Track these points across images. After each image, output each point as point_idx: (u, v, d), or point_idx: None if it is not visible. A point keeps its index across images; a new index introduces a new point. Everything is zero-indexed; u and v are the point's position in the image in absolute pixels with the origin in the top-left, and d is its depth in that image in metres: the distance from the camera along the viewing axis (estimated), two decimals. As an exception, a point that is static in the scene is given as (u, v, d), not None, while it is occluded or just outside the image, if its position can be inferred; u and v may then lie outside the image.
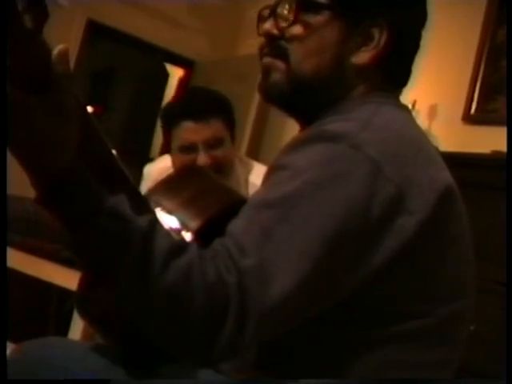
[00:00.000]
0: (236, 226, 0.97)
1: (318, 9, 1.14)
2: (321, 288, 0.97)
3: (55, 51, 0.86)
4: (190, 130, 2.13)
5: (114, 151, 1.01)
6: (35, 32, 0.81)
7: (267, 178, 1.04)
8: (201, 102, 2.17)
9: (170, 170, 2.25)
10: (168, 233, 0.95)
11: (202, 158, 2.11)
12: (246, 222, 0.98)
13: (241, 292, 0.90)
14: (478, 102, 3.61)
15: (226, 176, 2.16)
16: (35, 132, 0.86)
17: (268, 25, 1.17)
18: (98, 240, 0.90)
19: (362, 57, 1.14)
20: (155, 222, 0.94)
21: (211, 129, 2.13)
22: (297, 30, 1.15)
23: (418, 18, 1.18)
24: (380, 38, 1.13)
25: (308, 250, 0.94)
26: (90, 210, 0.90)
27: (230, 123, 2.19)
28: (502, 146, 3.02)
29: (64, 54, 0.87)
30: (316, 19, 1.14)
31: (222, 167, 2.13)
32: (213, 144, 2.13)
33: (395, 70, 1.17)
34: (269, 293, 0.91)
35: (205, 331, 0.90)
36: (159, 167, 2.41)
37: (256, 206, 0.99)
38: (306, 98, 1.17)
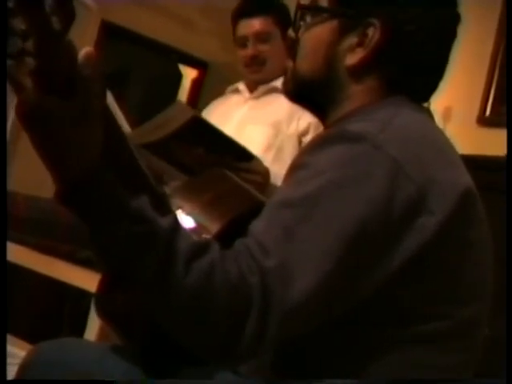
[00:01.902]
0: (257, 225, 0.98)
1: (317, 11, 1.18)
2: (342, 288, 0.97)
3: (81, 54, 0.86)
4: (242, 25, 2.48)
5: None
6: (62, 33, 0.81)
7: (288, 177, 1.05)
8: (254, 0, 2.51)
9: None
10: (189, 233, 0.96)
11: (249, 50, 2.46)
12: (267, 221, 0.98)
13: (263, 292, 0.91)
14: (492, 105, 3.60)
15: (265, 70, 2.47)
16: (61, 135, 0.86)
17: (290, 29, 1.22)
18: (121, 242, 0.91)
19: (353, 58, 1.14)
20: (177, 223, 0.94)
21: (259, 23, 2.46)
22: (301, 32, 1.20)
23: (423, 21, 1.14)
24: (371, 39, 1.13)
25: (330, 250, 0.94)
26: (112, 212, 0.90)
27: (282, 22, 2.44)
28: (518, 149, 3.01)
29: (90, 57, 0.88)
30: (313, 21, 1.18)
31: (266, 60, 2.46)
32: (260, 38, 2.45)
33: (394, 73, 1.15)
34: (291, 293, 0.92)
35: (227, 331, 0.90)
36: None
37: (277, 206, 0.99)
38: (308, 96, 1.22)
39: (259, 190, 1.97)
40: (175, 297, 0.90)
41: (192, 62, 5.68)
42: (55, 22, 0.79)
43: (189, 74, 6.06)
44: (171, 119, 1.82)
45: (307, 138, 2.35)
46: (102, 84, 0.89)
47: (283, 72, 2.39)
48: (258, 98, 2.52)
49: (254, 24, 2.46)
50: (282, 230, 0.95)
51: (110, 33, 5.22)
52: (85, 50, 0.87)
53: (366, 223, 0.96)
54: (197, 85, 5.69)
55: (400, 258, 0.98)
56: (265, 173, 2.07)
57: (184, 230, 0.95)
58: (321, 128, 2.26)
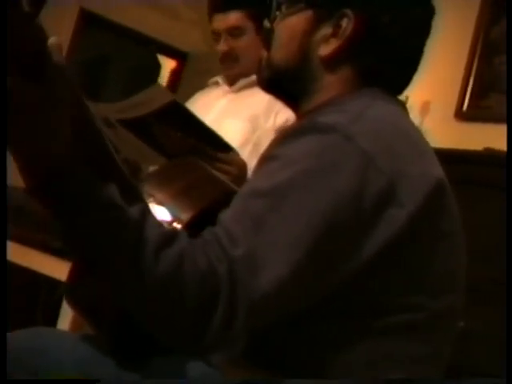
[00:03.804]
0: (227, 215, 0.98)
1: (292, 1, 1.18)
2: (311, 278, 0.97)
3: (49, 42, 0.86)
4: (216, 20, 2.42)
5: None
6: (32, 16, 0.80)
7: (258, 168, 1.05)
8: None
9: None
10: (159, 222, 0.96)
11: (221, 45, 2.41)
12: (236, 211, 0.98)
13: (231, 281, 0.91)
14: (470, 99, 3.62)
15: (239, 66, 2.43)
16: (29, 120, 0.85)
17: (266, 19, 1.23)
18: (90, 231, 0.90)
19: (326, 48, 1.15)
20: (146, 211, 0.94)
21: (231, 18, 2.39)
22: (277, 22, 1.20)
23: (397, 14, 1.14)
24: (345, 30, 1.13)
25: (298, 240, 0.94)
26: (82, 200, 0.90)
27: (257, 15, 2.38)
28: (495, 143, 3.03)
29: (56, 47, 0.87)
30: (288, 11, 1.19)
31: (239, 56, 2.42)
32: (233, 33, 2.39)
33: (368, 64, 1.15)
34: (258, 282, 0.92)
35: (196, 319, 0.91)
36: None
37: (247, 196, 0.99)
38: (281, 86, 1.22)
39: (235, 183, 1.97)
40: (145, 285, 0.90)
41: (171, 52, 5.66)
42: (25, 4, 0.78)
43: (168, 65, 6.04)
44: (149, 100, 1.81)
45: None
46: (73, 73, 0.88)
47: (255, 67, 2.45)
48: (237, 91, 2.51)
49: (226, 19, 2.42)
50: (251, 220, 0.95)
51: (89, 21, 5.19)
52: (50, 40, 0.86)
53: (335, 214, 0.96)
54: (175, 75, 5.67)
55: (370, 249, 0.99)
56: (242, 165, 2.06)
57: (153, 218, 0.95)
58: None
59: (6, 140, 0.85)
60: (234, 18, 2.41)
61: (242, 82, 2.48)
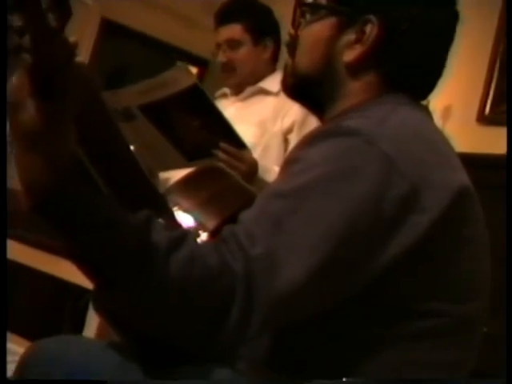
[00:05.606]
0: (247, 214, 0.98)
1: (316, 8, 1.20)
2: (330, 282, 0.97)
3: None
4: (217, 33, 2.58)
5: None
6: (58, 30, 0.81)
7: (282, 171, 1.06)
8: (224, 8, 2.60)
9: None
10: (165, 226, 0.95)
11: (220, 56, 2.57)
12: (257, 211, 0.99)
13: (247, 279, 0.91)
14: (492, 103, 3.59)
15: (237, 76, 2.55)
16: (35, 135, 0.86)
17: (290, 26, 1.23)
18: (95, 249, 0.90)
19: (351, 54, 1.15)
20: (149, 218, 0.93)
21: (229, 31, 2.55)
22: (301, 29, 1.21)
23: (418, 20, 1.14)
24: (369, 36, 1.14)
25: (318, 244, 0.95)
26: (83, 220, 0.90)
27: (253, 28, 2.54)
28: (517, 147, 3.01)
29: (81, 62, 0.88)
30: (312, 18, 1.20)
31: (236, 67, 2.55)
32: (230, 45, 2.54)
33: (393, 70, 1.16)
34: (276, 282, 0.92)
35: (211, 319, 0.91)
36: None
37: (268, 197, 1.00)
38: (306, 93, 1.23)
39: (244, 180, 2.01)
40: (157, 291, 0.91)
41: (192, 59, 5.66)
42: (51, 19, 0.79)
43: (189, 72, 6.04)
44: (171, 82, 1.84)
45: (292, 136, 2.43)
46: (97, 84, 0.89)
47: (255, 77, 2.55)
48: (244, 99, 2.61)
49: (225, 32, 2.55)
50: (271, 221, 0.95)
51: (110, 31, 5.21)
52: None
53: (356, 219, 0.96)
54: (197, 83, 5.67)
55: (391, 254, 0.99)
56: (252, 163, 2.11)
57: (158, 223, 0.94)
58: (305, 126, 2.37)
59: (5, 143, 0.85)
60: (232, 30, 2.54)
61: (249, 90, 2.59)
